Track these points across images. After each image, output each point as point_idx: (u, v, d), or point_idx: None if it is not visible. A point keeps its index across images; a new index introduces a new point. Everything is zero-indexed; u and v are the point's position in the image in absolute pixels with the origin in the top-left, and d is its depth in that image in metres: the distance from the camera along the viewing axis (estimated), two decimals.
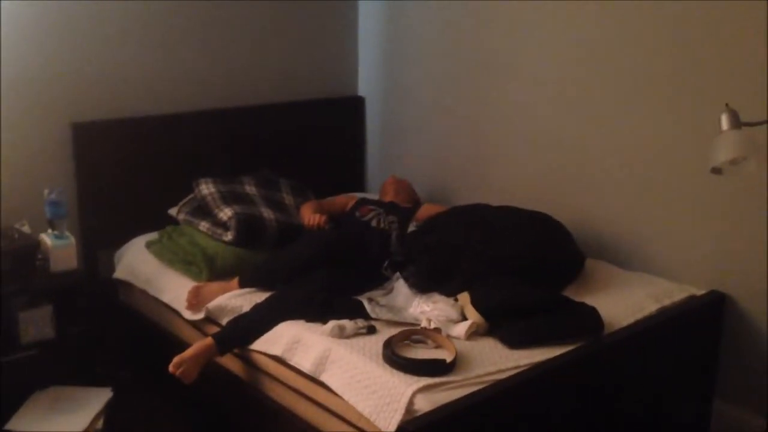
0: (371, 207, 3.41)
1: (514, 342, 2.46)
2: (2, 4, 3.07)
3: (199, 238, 3.24)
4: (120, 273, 3.36)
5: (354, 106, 4.29)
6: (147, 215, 3.48)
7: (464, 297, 2.66)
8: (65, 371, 2.98)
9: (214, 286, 2.98)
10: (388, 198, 3.59)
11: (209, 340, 2.68)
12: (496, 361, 2.37)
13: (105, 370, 3.11)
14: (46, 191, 3.05)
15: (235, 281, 2.98)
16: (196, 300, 2.93)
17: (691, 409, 2.99)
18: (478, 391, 2.21)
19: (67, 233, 3.05)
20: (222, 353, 2.69)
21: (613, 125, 3.20)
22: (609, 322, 2.58)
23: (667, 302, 2.82)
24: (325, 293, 2.72)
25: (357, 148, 4.33)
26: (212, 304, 2.88)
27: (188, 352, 2.63)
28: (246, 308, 2.79)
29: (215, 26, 3.71)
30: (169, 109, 3.60)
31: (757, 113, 2.37)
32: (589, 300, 2.69)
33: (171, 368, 2.59)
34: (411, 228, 3.31)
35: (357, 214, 3.39)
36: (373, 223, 3.28)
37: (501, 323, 2.52)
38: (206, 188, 3.39)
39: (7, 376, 2.83)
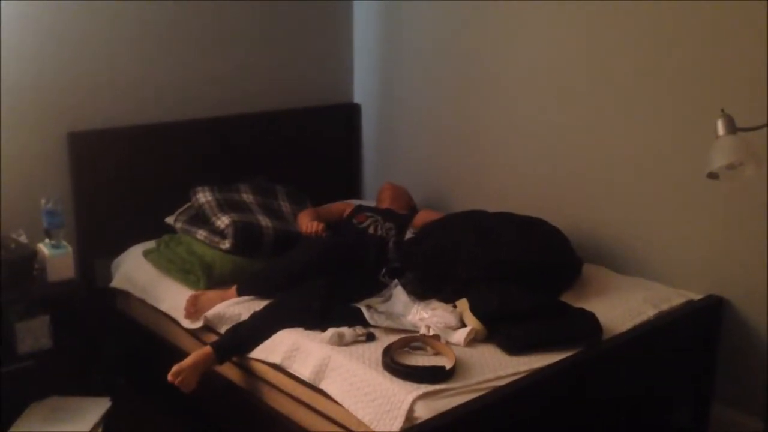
0: (368, 214, 3.41)
1: (513, 348, 2.46)
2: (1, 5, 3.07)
3: (196, 246, 3.23)
4: (117, 282, 3.35)
5: (350, 113, 4.29)
6: (144, 224, 3.48)
7: (463, 303, 2.66)
8: (63, 381, 2.96)
9: (212, 294, 2.98)
10: (384, 205, 3.60)
11: (208, 348, 2.67)
12: (496, 367, 2.37)
13: (103, 380, 3.10)
14: (42, 200, 3.04)
15: (233, 289, 2.98)
16: (194, 308, 2.93)
17: (689, 413, 3.00)
18: (478, 397, 2.21)
19: (64, 242, 3.05)
20: (221, 362, 2.68)
21: (610, 131, 3.21)
22: (607, 328, 2.59)
23: (665, 307, 2.82)
24: (324, 301, 2.72)
25: (353, 155, 4.33)
26: (210, 312, 2.88)
27: (187, 361, 2.62)
28: (244, 316, 2.79)
29: (210, 35, 3.71)
30: (165, 118, 3.60)
31: (754, 118, 2.37)
32: (587, 305, 2.70)
33: (170, 377, 2.58)
34: (408, 235, 3.32)
35: (354, 221, 3.39)
36: (371, 231, 3.29)
37: (500, 329, 2.52)
38: (203, 196, 3.39)
39: (4, 386, 2.81)
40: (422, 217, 3.43)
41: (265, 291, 2.93)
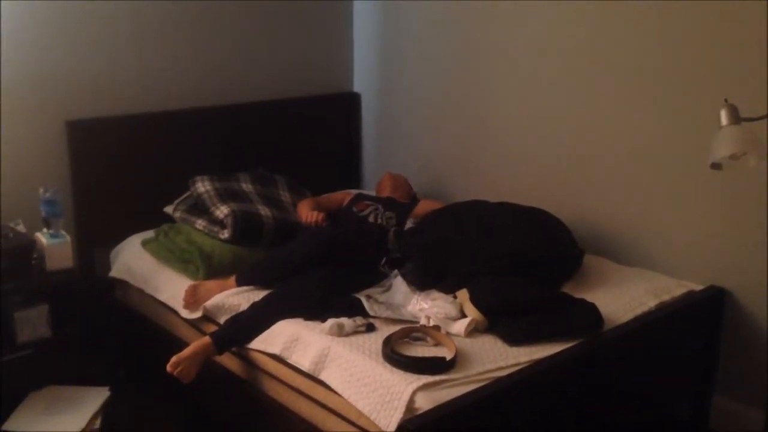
0: (368, 202, 3.39)
1: (513, 339, 2.45)
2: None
3: (195, 236, 3.22)
4: (116, 272, 3.34)
5: (349, 103, 4.27)
6: (143, 213, 3.46)
7: (463, 294, 2.65)
8: (62, 371, 2.96)
9: (212, 284, 2.97)
10: (385, 194, 3.58)
11: (207, 339, 2.66)
12: (496, 358, 2.36)
13: (102, 369, 3.09)
14: (41, 190, 3.03)
15: (233, 279, 2.96)
16: (193, 298, 2.91)
17: (690, 404, 2.99)
18: (479, 388, 2.20)
19: (63, 232, 3.03)
20: (220, 352, 2.68)
21: (612, 121, 3.20)
22: (608, 319, 2.58)
23: (666, 298, 2.81)
24: (324, 291, 2.71)
25: (353, 145, 4.32)
26: (210, 302, 2.87)
27: (186, 352, 2.61)
28: (244, 307, 2.78)
29: (209, 23, 3.69)
30: (164, 107, 3.58)
31: (757, 108, 2.36)
32: (588, 296, 2.69)
33: (169, 367, 2.58)
34: (409, 224, 3.30)
35: (354, 209, 3.37)
36: (371, 219, 3.27)
37: (500, 320, 2.51)
38: (202, 186, 3.37)
39: (3, 375, 2.81)
40: (423, 207, 3.41)
41: (265, 281, 2.92)
